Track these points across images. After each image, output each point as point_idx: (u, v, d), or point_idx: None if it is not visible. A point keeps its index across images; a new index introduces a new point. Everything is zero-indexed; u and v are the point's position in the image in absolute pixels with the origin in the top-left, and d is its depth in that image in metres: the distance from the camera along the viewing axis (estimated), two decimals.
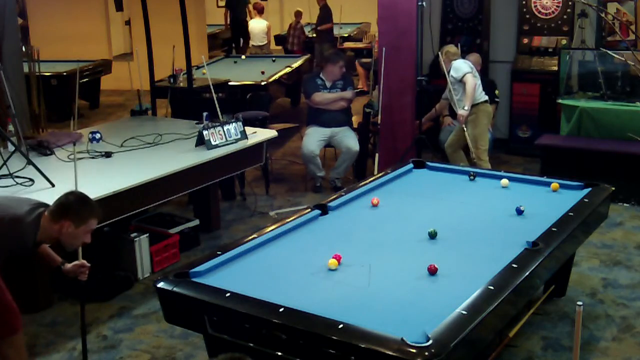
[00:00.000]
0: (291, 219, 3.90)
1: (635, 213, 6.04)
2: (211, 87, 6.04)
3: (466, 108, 6.29)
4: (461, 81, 6.33)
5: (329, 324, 2.67)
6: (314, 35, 12.97)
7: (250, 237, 3.63)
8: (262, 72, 9.15)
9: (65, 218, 3.21)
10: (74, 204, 3.26)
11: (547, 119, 7.49)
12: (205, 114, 5.88)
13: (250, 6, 13.55)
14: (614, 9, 7.34)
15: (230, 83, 8.34)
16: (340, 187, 6.50)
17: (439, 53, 6.66)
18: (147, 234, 5.05)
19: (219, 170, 5.35)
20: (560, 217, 3.82)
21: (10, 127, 5.26)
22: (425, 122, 7.12)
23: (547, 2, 7.59)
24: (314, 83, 6.87)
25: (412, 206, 4.23)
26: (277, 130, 6.07)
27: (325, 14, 12.54)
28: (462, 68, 6.37)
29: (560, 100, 7.00)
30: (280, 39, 13.73)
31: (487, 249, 3.53)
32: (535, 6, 7.64)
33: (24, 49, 8.13)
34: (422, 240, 3.65)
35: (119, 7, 14.10)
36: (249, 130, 5.62)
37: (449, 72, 6.45)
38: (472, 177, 4.66)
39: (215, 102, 5.80)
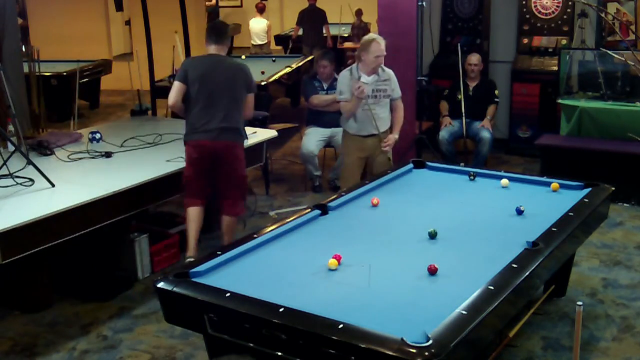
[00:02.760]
0: (291, 219, 3.89)
1: (635, 213, 6.04)
2: None
3: (397, 137, 5.51)
4: (391, 100, 5.44)
5: (329, 324, 2.67)
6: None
7: (250, 237, 3.63)
8: (262, 72, 9.14)
9: (229, 36, 5.04)
10: (221, 24, 5.17)
11: (547, 119, 7.49)
12: None
13: None
14: (614, 9, 7.34)
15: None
16: (340, 187, 6.49)
17: (373, 40, 5.23)
18: (147, 234, 5.05)
19: None
20: (560, 217, 3.82)
21: (10, 127, 5.26)
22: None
23: (547, 2, 7.59)
24: (311, 85, 6.89)
25: (412, 206, 4.23)
26: (277, 130, 6.08)
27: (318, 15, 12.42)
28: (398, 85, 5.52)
29: (560, 100, 7.00)
30: (280, 39, 13.71)
31: (487, 249, 3.53)
32: (535, 6, 7.64)
33: (24, 49, 8.14)
34: (422, 240, 3.65)
35: (119, 7, 14.11)
36: (249, 130, 5.61)
37: (378, 75, 5.31)
38: (472, 177, 4.66)
39: None
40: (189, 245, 4.87)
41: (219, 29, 4.92)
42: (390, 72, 5.46)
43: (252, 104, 4.95)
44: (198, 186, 4.83)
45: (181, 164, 4.90)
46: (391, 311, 2.88)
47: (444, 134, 7.05)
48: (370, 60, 5.20)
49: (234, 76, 4.81)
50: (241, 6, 17.19)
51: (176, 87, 4.72)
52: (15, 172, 4.49)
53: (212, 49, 4.83)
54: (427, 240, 3.64)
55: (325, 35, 12.32)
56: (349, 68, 5.47)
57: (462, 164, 5.15)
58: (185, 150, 4.85)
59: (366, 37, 5.31)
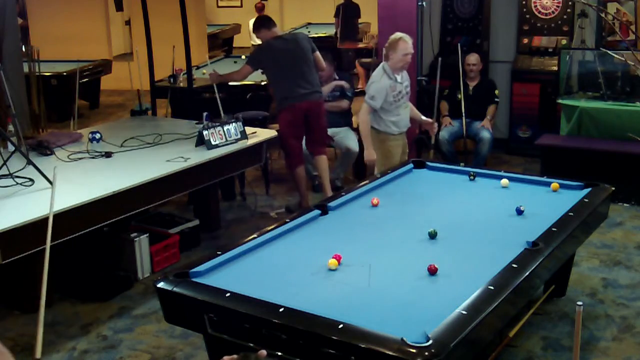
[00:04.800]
0: (291, 219, 3.90)
1: (635, 213, 6.04)
2: (215, 86, 6.06)
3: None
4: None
5: (329, 324, 2.67)
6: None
7: (250, 237, 3.63)
8: (262, 72, 9.11)
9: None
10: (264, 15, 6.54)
11: (547, 119, 7.48)
12: (205, 114, 5.89)
13: None
14: (614, 9, 7.33)
15: (230, 83, 8.32)
16: (340, 187, 6.50)
17: (400, 38, 5.24)
18: (147, 234, 5.05)
19: (219, 170, 5.35)
20: (560, 217, 3.82)
21: (10, 127, 5.26)
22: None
23: (547, 2, 7.58)
24: None
25: (412, 206, 4.23)
26: (277, 130, 6.07)
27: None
28: None
29: (560, 100, 6.99)
30: None
31: (487, 249, 3.53)
32: (535, 6, 7.63)
33: (24, 49, 8.14)
34: (422, 240, 3.65)
35: (119, 7, 14.10)
36: (249, 130, 5.62)
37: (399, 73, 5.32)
38: (472, 177, 4.66)
39: (218, 100, 5.81)
40: (302, 198, 6.08)
41: (267, 17, 6.40)
42: None
43: (322, 59, 6.06)
44: (296, 144, 6.01)
45: (181, 164, 4.90)
46: (391, 311, 2.88)
47: (444, 134, 7.05)
48: (399, 58, 5.24)
49: (301, 45, 5.89)
50: (241, 6, 17.18)
51: (246, 69, 6.01)
52: (15, 172, 4.49)
53: (276, 31, 6.08)
54: (427, 240, 3.64)
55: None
56: (381, 69, 5.30)
57: (462, 164, 5.15)
58: (280, 117, 5.97)
59: (393, 36, 5.33)
